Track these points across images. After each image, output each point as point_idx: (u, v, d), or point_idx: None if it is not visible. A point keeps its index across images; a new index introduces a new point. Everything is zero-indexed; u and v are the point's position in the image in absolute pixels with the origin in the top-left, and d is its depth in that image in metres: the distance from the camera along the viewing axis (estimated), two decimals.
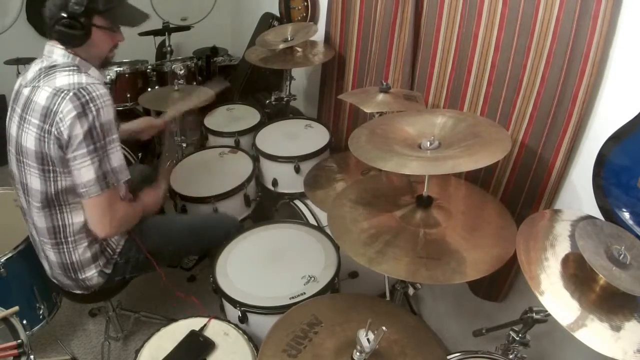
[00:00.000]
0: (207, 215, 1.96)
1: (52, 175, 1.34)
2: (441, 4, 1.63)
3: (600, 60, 1.18)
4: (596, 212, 1.24)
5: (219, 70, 3.40)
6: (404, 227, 1.27)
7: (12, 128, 1.38)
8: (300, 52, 2.31)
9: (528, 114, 1.40)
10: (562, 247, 1.09)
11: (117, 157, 1.36)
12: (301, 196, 2.11)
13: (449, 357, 1.27)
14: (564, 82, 1.27)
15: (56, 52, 1.36)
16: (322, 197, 1.76)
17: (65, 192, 1.37)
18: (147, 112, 3.16)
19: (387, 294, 1.57)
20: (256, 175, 2.19)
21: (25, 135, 1.33)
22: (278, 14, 2.94)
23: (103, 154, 1.32)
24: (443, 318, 2.08)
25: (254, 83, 3.07)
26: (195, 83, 3.08)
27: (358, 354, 1.05)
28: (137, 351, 1.34)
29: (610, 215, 1.20)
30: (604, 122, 1.23)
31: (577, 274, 1.03)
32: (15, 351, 1.20)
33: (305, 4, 2.60)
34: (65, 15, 1.29)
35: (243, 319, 1.44)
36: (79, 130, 1.26)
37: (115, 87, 2.80)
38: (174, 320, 1.46)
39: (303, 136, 2.27)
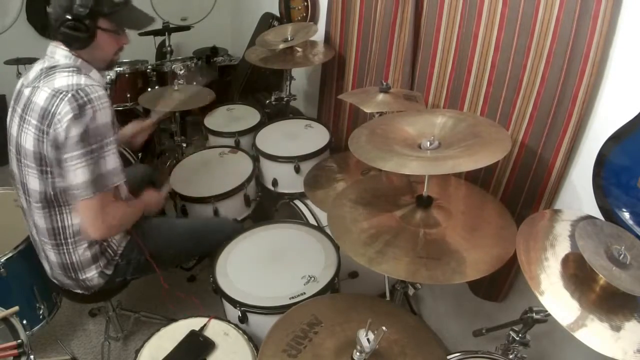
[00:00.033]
0: (208, 219, 1.96)
1: (49, 176, 1.34)
2: (441, 4, 1.64)
3: (600, 60, 1.18)
4: (596, 212, 1.24)
5: (219, 70, 3.40)
6: (404, 227, 1.27)
7: (13, 128, 1.38)
8: (300, 52, 2.31)
9: (528, 114, 1.40)
10: (562, 247, 1.09)
11: (112, 160, 1.34)
12: (301, 196, 2.11)
13: (449, 357, 1.27)
14: (564, 82, 1.27)
15: (58, 53, 1.36)
16: (322, 197, 1.76)
17: (64, 193, 1.37)
18: (147, 112, 3.16)
19: (387, 294, 1.57)
20: (256, 175, 2.19)
21: (25, 136, 1.33)
22: (278, 14, 2.95)
23: (98, 157, 1.30)
24: (443, 318, 2.08)
25: (254, 83, 3.07)
26: (195, 83, 3.08)
27: (358, 354, 1.05)
28: (137, 351, 1.34)
29: (610, 215, 1.20)
30: (604, 122, 1.23)
31: (577, 274, 1.03)
32: (15, 351, 1.20)
33: (305, 4, 2.60)
34: (70, 17, 1.29)
35: (243, 319, 1.44)
36: (75, 132, 1.25)
37: (115, 87, 2.80)
38: (174, 320, 1.46)
39: (303, 136, 2.27)
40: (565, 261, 1.05)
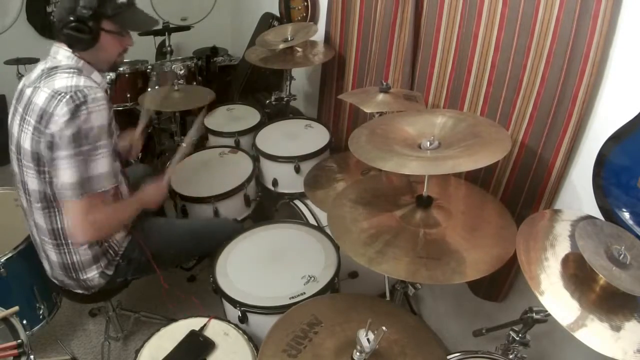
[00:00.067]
0: (209, 220, 1.96)
1: (47, 176, 1.34)
2: (441, 4, 1.63)
3: (600, 60, 1.18)
4: (596, 212, 1.24)
5: (219, 70, 3.40)
6: (404, 227, 1.27)
7: (14, 127, 1.38)
8: (300, 52, 2.31)
9: (528, 114, 1.40)
10: (562, 247, 1.09)
11: (103, 163, 1.32)
12: (301, 196, 2.11)
13: (449, 357, 1.27)
14: (564, 82, 1.27)
15: (61, 54, 1.36)
16: (322, 197, 1.76)
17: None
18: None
19: (387, 294, 1.57)
20: (256, 175, 2.19)
21: (24, 136, 1.33)
22: (278, 14, 2.94)
23: (88, 159, 1.28)
24: (443, 318, 2.08)
25: (254, 83, 3.07)
26: (195, 83, 3.08)
27: (358, 354, 1.05)
28: (137, 351, 1.34)
29: (610, 215, 1.20)
30: (604, 122, 1.23)
31: (577, 274, 1.03)
32: (15, 351, 1.20)
33: (305, 4, 2.60)
34: (73, 19, 1.29)
35: (243, 319, 1.45)
36: (68, 132, 1.25)
37: (115, 87, 2.80)
38: (174, 320, 1.46)
39: (303, 136, 2.27)
40: (565, 261, 1.05)
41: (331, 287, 1.51)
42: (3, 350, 1.19)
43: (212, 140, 2.47)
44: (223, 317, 1.49)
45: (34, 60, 2.76)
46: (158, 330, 1.42)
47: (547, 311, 0.96)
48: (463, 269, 1.14)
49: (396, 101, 1.63)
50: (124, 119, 2.92)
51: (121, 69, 2.78)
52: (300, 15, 2.68)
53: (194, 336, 1.37)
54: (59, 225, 1.42)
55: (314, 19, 2.59)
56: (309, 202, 2.05)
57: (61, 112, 1.25)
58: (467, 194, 1.50)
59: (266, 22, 3.01)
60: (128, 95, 2.85)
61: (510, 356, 1.26)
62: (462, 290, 1.82)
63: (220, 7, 3.93)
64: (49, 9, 3.18)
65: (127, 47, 1.45)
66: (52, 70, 1.33)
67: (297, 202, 2.09)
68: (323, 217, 1.94)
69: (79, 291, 1.57)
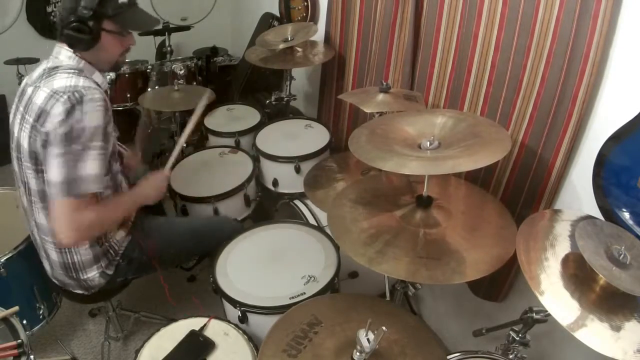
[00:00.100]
0: (209, 218, 1.96)
1: (44, 175, 1.34)
2: (441, 4, 1.63)
3: (600, 60, 1.18)
4: (596, 212, 1.24)
5: (219, 70, 3.40)
6: (404, 227, 1.27)
7: (15, 126, 1.39)
8: (300, 52, 2.31)
9: (528, 114, 1.40)
10: (562, 247, 1.09)
11: (93, 165, 1.29)
12: (301, 196, 2.11)
13: (449, 357, 1.27)
14: (564, 82, 1.27)
15: (63, 54, 1.36)
16: (322, 197, 1.76)
17: None
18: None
19: (387, 294, 1.57)
20: (256, 175, 2.19)
21: (23, 135, 1.33)
22: (278, 14, 2.94)
23: (77, 159, 1.27)
24: (443, 318, 2.08)
25: (254, 83, 3.07)
26: (195, 83, 3.08)
27: (358, 354, 1.05)
28: (137, 351, 1.34)
29: (610, 215, 1.20)
30: (604, 122, 1.23)
31: (577, 274, 1.03)
32: (15, 351, 1.20)
33: (305, 4, 2.60)
34: (74, 19, 1.29)
35: (243, 319, 1.44)
36: (60, 130, 1.24)
37: (115, 87, 2.80)
38: (174, 320, 1.46)
39: (303, 136, 2.27)
40: (565, 261, 1.05)
41: (331, 287, 1.51)
42: (3, 350, 1.19)
43: (212, 140, 2.47)
44: (223, 317, 1.49)
45: (34, 60, 2.76)
46: (158, 330, 1.42)
47: (547, 311, 0.96)
48: (463, 269, 1.14)
49: (396, 101, 1.63)
50: (124, 119, 2.93)
51: (121, 69, 2.78)
52: (300, 15, 2.68)
53: (194, 336, 1.37)
54: None
55: (314, 19, 2.59)
56: (309, 202, 2.05)
57: (57, 112, 1.25)
58: (467, 194, 1.50)
59: (266, 22, 3.01)
60: (128, 95, 2.86)
61: (510, 356, 1.26)
62: (462, 290, 1.82)
63: (220, 7, 3.93)
64: (49, 9, 3.18)
65: (128, 46, 1.45)
66: (53, 70, 1.33)
67: (297, 202, 2.09)
68: (323, 217, 1.94)
69: (79, 291, 1.57)
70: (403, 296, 1.58)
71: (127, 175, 1.63)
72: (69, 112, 1.24)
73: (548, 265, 1.03)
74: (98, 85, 1.38)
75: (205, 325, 1.41)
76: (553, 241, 1.10)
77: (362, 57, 2.15)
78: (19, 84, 2.68)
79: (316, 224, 1.93)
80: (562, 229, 1.15)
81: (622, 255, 0.99)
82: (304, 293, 1.46)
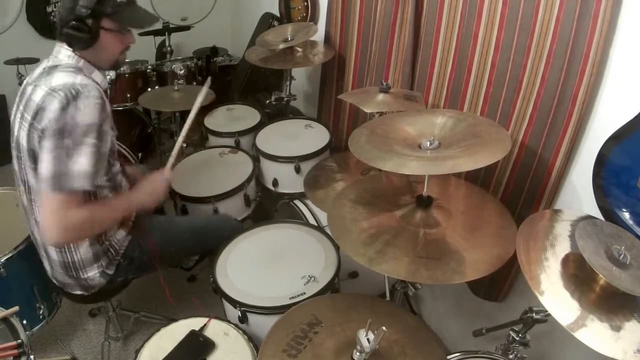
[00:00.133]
0: (209, 217, 1.97)
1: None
2: (441, 4, 1.63)
3: (600, 60, 1.18)
4: (596, 212, 1.24)
5: (219, 70, 3.40)
6: (404, 227, 1.27)
7: (15, 125, 1.39)
8: (300, 52, 2.31)
9: (528, 114, 1.40)
10: (562, 247, 1.09)
11: (82, 161, 1.26)
12: (301, 196, 2.11)
13: (449, 357, 1.27)
14: (564, 82, 1.27)
15: (62, 53, 1.36)
16: (322, 197, 1.76)
17: None
18: (147, 112, 3.17)
19: (387, 294, 1.57)
20: (256, 175, 2.19)
21: (22, 133, 1.34)
22: (278, 14, 2.94)
23: (68, 154, 1.25)
24: (443, 318, 2.08)
25: (254, 83, 3.07)
26: (195, 83, 3.08)
27: (358, 354, 1.05)
28: (137, 351, 1.34)
29: (610, 215, 1.20)
30: (604, 122, 1.23)
31: (577, 274, 1.03)
32: (15, 351, 1.20)
33: (305, 4, 2.60)
34: (73, 18, 1.29)
35: (243, 319, 1.45)
36: (54, 125, 1.24)
37: (115, 87, 2.80)
38: (174, 320, 1.46)
39: (303, 136, 2.27)
40: (565, 261, 1.05)
41: (331, 287, 1.51)
42: (3, 350, 1.20)
43: (212, 140, 2.47)
44: (223, 317, 1.49)
45: (34, 60, 2.76)
46: (158, 330, 1.42)
47: (547, 311, 0.96)
48: (463, 269, 1.14)
49: (396, 101, 1.63)
50: (124, 119, 2.93)
51: (121, 68, 2.78)
52: (300, 15, 2.68)
53: (194, 336, 1.37)
54: None
55: (314, 19, 2.59)
56: (309, 202, 2.05)
57: (53, 108, 1.25)
58: (467, 194, 1.50)
59: (266, 22, 3.01)
60: (128, 95, 2.85)
61: (510, 356, 1.26)
62: (462, 290, 1.82)
63: (220, 7, 3.93)
64: (49, 9, 3.18)
65: (128, 45, 1.45)
66: (52, 69, 1.34)
67: (297, 202, 2.09)
68: (323, 217, 1.94)
69: (79, 292, 1.57)
70: (403, 296, 1.58)
71: (128, 175, 1.62)
72: (64, 108, 1.24)
73: (548, 265, 1.03)
74: (97, 84, 1.38)
75: (205, 325, 1.41)
76: (553, 241, 1.10)
77: (362, 57, 2.15)
78: (19, 84, 2.70)
79: (316, 224, 1.93)
80: (562, 229, 1.15)
81: (622, 255, 0.99)
82: (304, 293, 1.46)
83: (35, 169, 1.34)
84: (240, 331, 1.40)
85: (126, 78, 2.85)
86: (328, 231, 1.69)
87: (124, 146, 2.21)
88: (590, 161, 1.23)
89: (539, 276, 1.00)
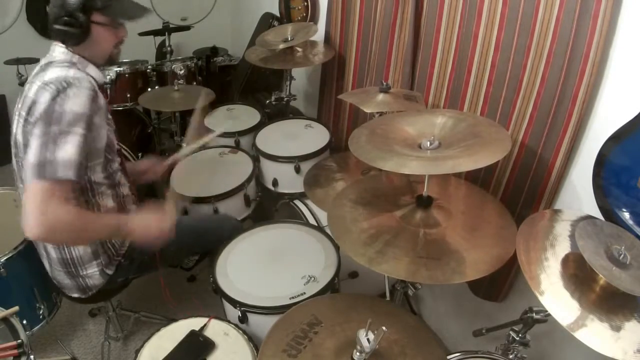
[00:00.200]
0: (209, 216, 1.96)
1: None
2: (441, 4, 1.64)
3: (600, 60, 1.18)
4: (596, 212, 1.24)
5: (219, 70, 3.40)
6: (404, 227, 1.27)
7: (14, 123, 1.39)
8: (300, 52, 2.31)
9: (528, 114, 1.40)
10: (562, 247, 1.09)
11: (67, 149, 1.22)
12: (301, 196, 2.11)
13: (449, 357, 1.27)
14: (564, 82, 1.27)
15: (56, 50, 1.37)
16: (322, 197, 1.76)
17: None
18: (147, 112, 3.17)
19: (387, 294, 1.57)
20: (256, 175, 2.19)
21: (19, 130, 1.34)
22: (278, 14, 2.94)
23: (53, 141, 1.22)
24: (443, 318, 2.08)
25: (254, 83, 3.07)
26: (195, 83, 3.08)
27: (358, 354, 1.05)
28: (137, 351, 1.34)
29: (610, 215, 1.20)
30: (604, 122, 1.23)
31: (577, 274, 1.03)
32: (15, 351, 1.20)
33: (305, 4, 2.60)
34: (63, 14, 1.30)
35: (243, 319, 1.44)
36: (44, 113, 1.23)
37: (115, 87, 2.79)
38: (174, 320, 1.46)
39: (303, 136, 2.27)
40: (565, 261, 1.05)
41: (331, 287, 1.50)
42: (3, 350, 1.19)
43: (212, 140, 2.46)
44: (223, 317, 1.49)
45: (34, 60, 2.76)
46: (158, 330, 1.42)
47: (547, 311, 0.96)
48: (463, 269, 1.14)
49: (396, 101, 1.63)
50: (124, 119, 2.92)
51: (121, 68, 2.78)
52: (300, 15, 2.68)
53: (194, 336, 1.37)
54: None
55: (314, 19, 2.59)
56: (309, 202, 2.05)
57: (43, 100, 1.25)
58: (467, 194, 1.50)
59: (266, 22, 3.01)
60: (128, 95, 2.85)
61: (510, 356, 1.26)
62: (462, 290, 1.82)
63: (220, 7, 3.93)
64: (48, 9, 3.18)
65: (122, 38, 1.45)
66: (46, 66, 1.35)
67: (297, 202, 2.09)
68: (323, 217, 1.94)
69: (76, 295, 1.57)
70: (403, 296, 1.58)
71: (129, 174, 1.62)
72: (54, 98, 1.24)
73: (548, 265, 1.03)
74: (93, 77, 1.37)
75: (205, 325, 1.41)
76: (553, 241, 1.10)
77: (362, 57, 2.15)
78: (19, 84, 2.70)
79: (316, 224, 1.93)
80: (562, 229, 1.15)
81: (622, 255, 0.99)
82: (304, 293, 1.46)
83: None
84: (240, 331, 1.40)
85: (126, 78, 2.84)
86: (328, 231, 1.69)
87: (124, 146, 2.21)
88: (590, 161, 1.23)
89: (539, 276, 1.00)
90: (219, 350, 1.34)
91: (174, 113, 2.74)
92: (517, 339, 1.24)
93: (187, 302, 2.14)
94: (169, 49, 3.07)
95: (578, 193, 1.36)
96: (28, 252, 1.63)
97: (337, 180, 1.84)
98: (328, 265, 1.57)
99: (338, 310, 1.26)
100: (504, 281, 1.59)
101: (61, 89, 1.25)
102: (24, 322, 1.42)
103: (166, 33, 3.03)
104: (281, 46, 2.20)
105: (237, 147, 2.34)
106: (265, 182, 2.23)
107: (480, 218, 1.36)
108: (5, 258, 1.60)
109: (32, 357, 1.23)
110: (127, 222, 1.39)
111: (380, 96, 1.65)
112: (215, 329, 1.40)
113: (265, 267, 1.60)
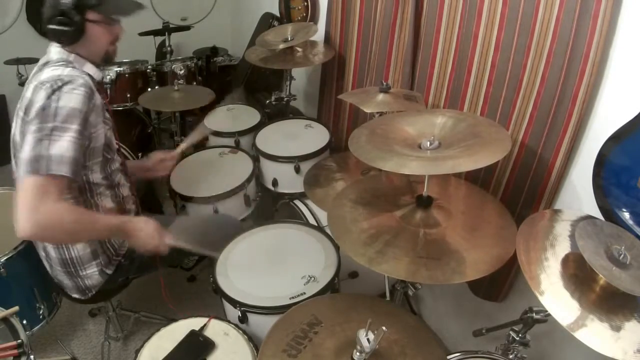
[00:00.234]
0: (210, 216, 1.96)
1: None
2: (441, 4, 1.63)
3: (600, 60, 1.18)
4: (596, 212, 1.24)
5: (219, 70, 3.40)
6: (404, 227, 1.27)
7: (14, 124, 1.39)
8: (300, 52, 2.31)
9: (528, 114, 1.40)
10: (562, 247, 1.09)
11: (66, 146, 1.22)
12: (301, 196, 2.11)
13: (449, 357, 1.27)
14: (564, 82, 1.27)
15: (53, 50, 1.37)
16: (322, 197, 1.76)
17: None
18: (147, 112, 3.17)
19: (387, 294, 1.57)
20: (256, 175, 2.19)
21: (17, 130, 1.35)
22: (278, 14, 2.94)
23: (47, 136, 1.22)
24: (443, 318, 2.08)
25: (254, 83, 3.07)
26: (195, 83, 3.08)
27: (358, 354, 1.05)
28: (137, 351, 1.34)
29: (610, 215, 1.20)
30: (604, 122, 1.23)
31: (577, 274, 1.03)
32: (15, 351, 1.20)
33: (305, 4, 2.60)
34: (57, 13, 1.30)
35: (243, 319, 1.44)
36: (39, 111, 1.23)
37: (115, 87, 2.79)
38: (174, 320, 1.46)
39: (303, 136, 2.27)
40: (565, 261, 1.05)
41: (331, 287, 1.50)
42: (3, 350, 1.20)
43: (212, 140, 2.47)
44: (223, 317, 1.49)
45: (34, 60, 2.75)
46: (158, 330, 1.42)
47: (547, 311, 0.96)
48: (463, 269, 1.14)
49: (396, 101, 1.63)
50: (124, 119, 2.92)
51: (121, 68, 2.78)
52: (300, 15, 2.68)
53: (194, 336, 1.37)
54: None
55: (314, 19, 2.59)
56: (309, 202, 2.05)
57: (39, 98, 1.25)
58: (467, 194, 1.50)
59: (266, 22, 3.01)
60: (128, 95, 2.85)
61: (510, 356, 1.26)
62: (462, 290, 1.82)
63: (220, 7, 3.93)
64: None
65: (117, 35, 1.44)
66: (43, 66, 1.35)
67: (297, 202, 2.09)
68: (323, 217, 1.94)
69: (76, 295, 1.57)
70: (403, 296, 1.58)
71: (129, 174, 1.62)
72: (49, 96, 1.24)
73: (548, 265, 1.03)
74: (90, 75, 1.38)
75: (205, 325, 1.41)
76: (553, 241, 1.10)
77: (362, 57, 2.15)
78: (19, 84, 2.69)
79: (316, 224, 1.93)
80: (562, 229, 1.15)
81: (622, 255, 0.99)
82: (304, 293, 1.46)
83: None
84: (240, 331, 1.40)
85: (126, 78, 2.84)
86: (328, 231, 1.69)
87: (124, 146, 2.21)
88: (590, 161, 1.23)
89: (539, 276, 1.00)
90: (219, 350, 1.34)
91: (174, 113, 2.74)
92: (517, 339, 1.24)
93: (187, 302, 2.14)
94: (169, 49, 3.07)
95: (578, 193, 1.36)
96: (28, 252, 1.63)
97: (337, 180, 1.84)
98: (328, 265, 1.57)
99: (338, 310, 1.26)
100: (504, 281, 1.59)
101: (56, 87, 1.26)
102: (24, 322, 1.42)
103: (166, 33, 3.03)
104: (281, 46, 2.20)
105: (237, 147, 2.34)
106: (265, 182, 2.23)
107: (480, 218, 1.36)
108: (5, 258, 1.60)
109: (32, 357, 1.23)
110: (126, 222, 1.39)
111: (380, 96, 1.65)
112: (215, 329, 1.40)
113: (265, 267, 1.60)
